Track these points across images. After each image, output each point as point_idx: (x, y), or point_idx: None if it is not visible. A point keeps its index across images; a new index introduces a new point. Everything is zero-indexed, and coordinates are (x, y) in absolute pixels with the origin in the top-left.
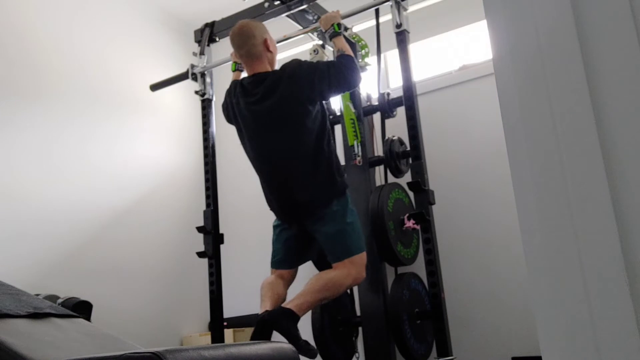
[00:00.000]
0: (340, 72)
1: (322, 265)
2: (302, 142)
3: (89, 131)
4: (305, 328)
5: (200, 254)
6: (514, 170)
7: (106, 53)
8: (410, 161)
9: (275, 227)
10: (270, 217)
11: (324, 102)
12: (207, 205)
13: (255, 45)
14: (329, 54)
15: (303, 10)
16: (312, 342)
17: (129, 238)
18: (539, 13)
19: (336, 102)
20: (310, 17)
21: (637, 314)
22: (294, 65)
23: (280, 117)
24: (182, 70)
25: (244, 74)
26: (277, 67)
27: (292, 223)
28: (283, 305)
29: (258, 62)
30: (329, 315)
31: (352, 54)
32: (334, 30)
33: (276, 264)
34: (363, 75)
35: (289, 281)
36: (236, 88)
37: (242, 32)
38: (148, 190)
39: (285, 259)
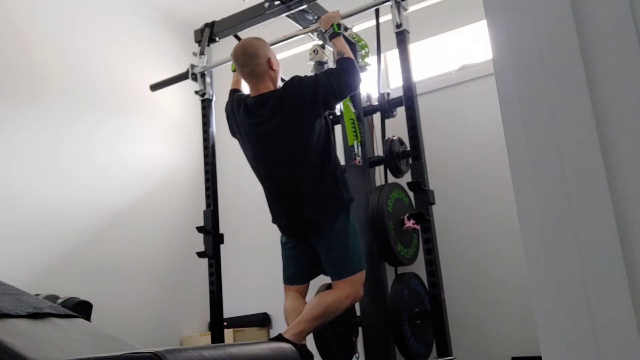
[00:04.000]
0: (341, 79)
1: None
2: (308, 159)
3: (89, 131)
4: None
5: (200, 254)
6: (513, 170)
7: (106, 53)
8: (410, 161)
9: (283, 244)
10: (269, 217)
11: (326, 115)
12: (207, 205)
13: (260, 65)
14: (328, 54)
15: (303, 10)
16: (312, 342)
17: (129, 238)
18: (539, 13)
19: None
20: (310, 17)
21: (637, 314)
22: (296, 84)
23: (285, 136)
24: (182, 70)
25: (246, 91)
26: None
27: (299, 240)
28: (282, 333)
29: (262, 82)
30: None
31: (351, 55)
32: (334, 31)
33: (289, 280)
34: (363, 75)
35: (305, 294)
36: (240, 106)
37: (245, 52)
38: (148, 190)
39: (298, 275)
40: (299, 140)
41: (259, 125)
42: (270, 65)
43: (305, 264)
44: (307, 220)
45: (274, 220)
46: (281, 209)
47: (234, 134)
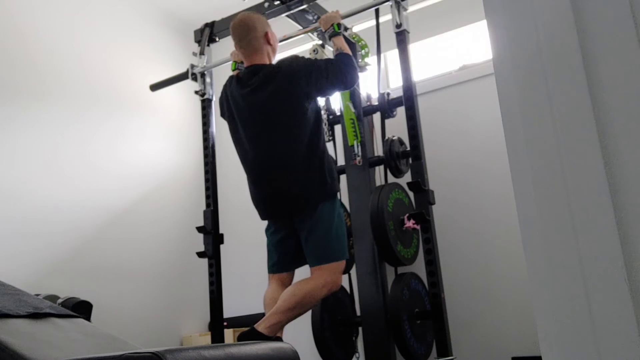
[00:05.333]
0: (337, 70)
1: None
2: (295, 138)
3: (89, 131)
4: (305, 328)
5: (200, 254)
6: (514, 170)
7: (106, 53)
8: (410, 161)
9: (266, 230)
10: None
11: (318, 100)
12: (207, 205)
13: (257, 38)
14: (328, 54)
15: (303, 10)
16: (312, 342)
17: (129, 238)
18: (539, 13)
19: (336, 102)
20: (310, 17)
21: (637, 314)
22: (291, 60)
23: (275, 110)
24: (182, 70)
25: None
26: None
27: (279, 221)
28: (256, 326)
29: (257, 54)
30: (329, 315)
31: (351, 53)
32: (334, 30)
33: (272, 267)
34: (363, 75)
35: (288, 284)
36: (232, 81)
37: (243, 25)
38: (148, 190)
39: (281, 262)
40: (287, 114)
41: (249, 95)
42: (267, 39)
43: (287, 251)
44: (288, 197)
45: (255, 204)
46: (262, 186)
47: (223, 113)
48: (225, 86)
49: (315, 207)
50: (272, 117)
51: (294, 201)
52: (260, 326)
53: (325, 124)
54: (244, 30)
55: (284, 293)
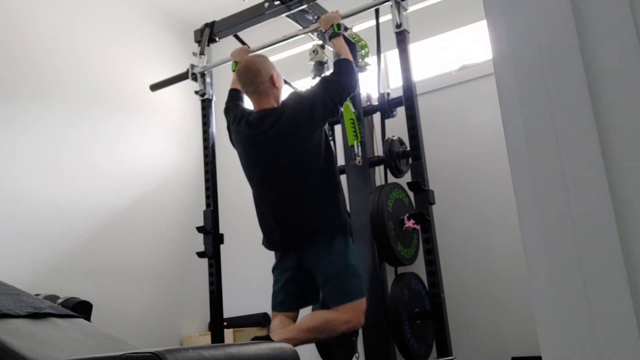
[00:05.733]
0: (338, 84)
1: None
2: (304, 169)
3: (89, 131)
4: None
5: (200, 254)
6: (514, 170)
7: (106, 53)
8: (410, 161)
9: (273, 270)
10: None
11: (327, 136)
12: (207, 205)
13: (262, 83)
14: (328, 54)
15: (303, 10)
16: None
17: (129, 238)
18: (539, 13)
19: None
20: (310, 17)
21: (637, 314)
22: (294, 97)
23: (285, 151)
24: (182, 70)
25: (250, 107)
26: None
27: (288, 258)
28: (271, 335)
29: (264, 99)
30: None
31: (349, 56)
32: (334, 31)
33: (277, 306)
34: (363, 75)
35: (294, 321)
36: (242, 119)
37: (248, 70)
38: (148, 190)
39: (287, 301)
40: (297, 154)
41: (257, 135)
42: (272, 82)
43: (294, 290)
44: (301, 232)
45: (265, 238)
46: (274, 219)
47: (232, 143)
48: (233, 120)
49: (331, 241)
50: (283, 157)
51: (306, 236)
52: (277, 337)
53: (326, 127)
54: (249, 75)
55: (306, 315)
